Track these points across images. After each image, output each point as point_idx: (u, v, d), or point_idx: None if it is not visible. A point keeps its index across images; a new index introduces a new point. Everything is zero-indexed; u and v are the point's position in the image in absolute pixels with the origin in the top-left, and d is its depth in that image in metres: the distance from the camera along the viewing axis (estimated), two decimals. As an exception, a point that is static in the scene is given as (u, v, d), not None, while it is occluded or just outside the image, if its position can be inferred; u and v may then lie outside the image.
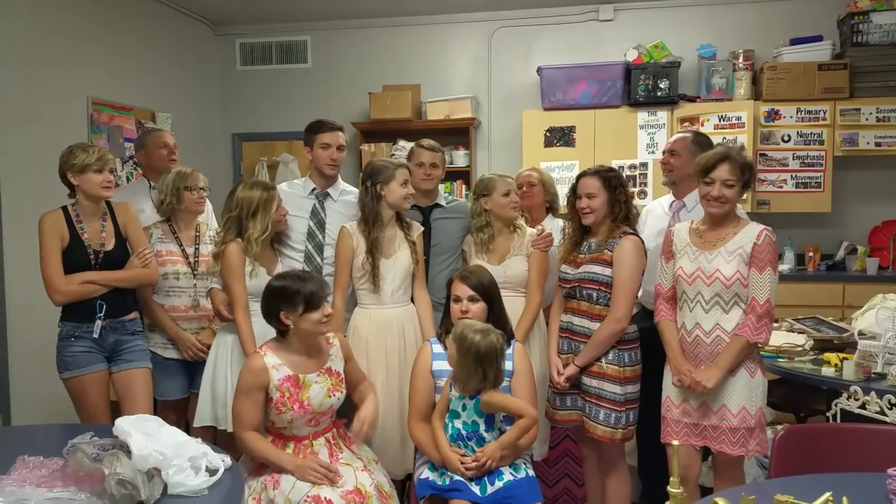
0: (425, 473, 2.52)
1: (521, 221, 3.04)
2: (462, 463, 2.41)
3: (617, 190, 2.71)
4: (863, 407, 2.57)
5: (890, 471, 1.77)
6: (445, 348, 2.62)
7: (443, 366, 2.60)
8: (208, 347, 3.05)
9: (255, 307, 2.89)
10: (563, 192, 3.51)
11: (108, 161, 2.81)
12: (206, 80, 6.00)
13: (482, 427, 2.46)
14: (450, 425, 2.49)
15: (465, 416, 2.47)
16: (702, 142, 3.11)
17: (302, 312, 2.41)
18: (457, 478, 2.42)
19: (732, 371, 2.48)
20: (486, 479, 2.43)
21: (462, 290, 2.63)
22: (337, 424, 2.62)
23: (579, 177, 2.80)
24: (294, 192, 3.20)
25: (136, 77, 4.99)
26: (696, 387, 2.47)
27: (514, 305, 2.80)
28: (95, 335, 2.80)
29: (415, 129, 5.56)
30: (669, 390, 2.62)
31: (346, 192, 3.25)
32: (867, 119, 4.95)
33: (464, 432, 2.46)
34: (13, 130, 3.88)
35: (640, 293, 3.01)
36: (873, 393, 2.55)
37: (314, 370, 2.49)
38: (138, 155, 3.70)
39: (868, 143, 4.97)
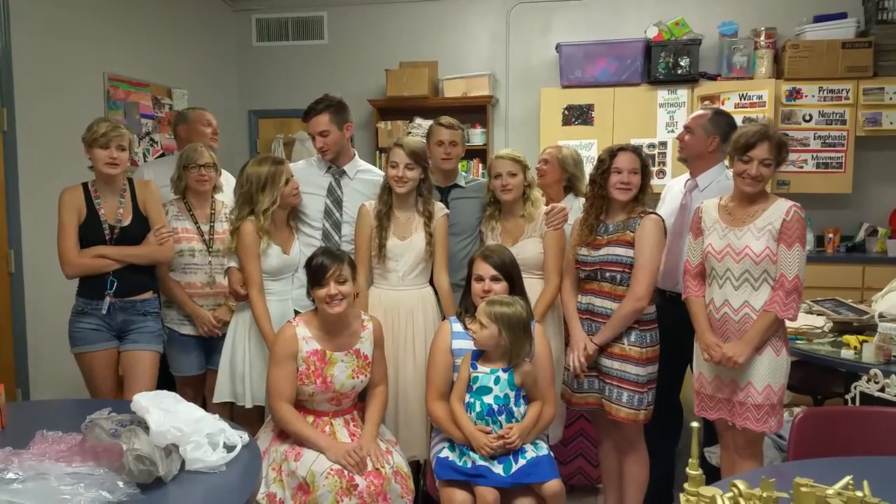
0: (444, 452, 2.52)
1: (539, 202, 3.00)
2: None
3: (648, 169, 2.73)
4: (882, 390, 2.55)
5: (911, 455, 1.75)
6: (466, 327, 2.63)
7: (462, 344, 2.60)
8: (224, 324, 3.07)
9: (270, 286, 2.90)
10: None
11: (118, 137, 2.79)
12: (222, 57, 5.98)
13: (512, 401, 2.49)
14: (478, 402, 2.49)
15: (498, 389, 2.49)
16: (719, 121, 3.05)
17: (312, 287, 2.46)
18: (480, 462, 2.42)
19: (759, 349, 2.48)
20: (510, 457, 2.44)
21: (485, 269, 2.62)
22: (359, 407, 2.63)
23: (616, 152, 2.71)
24: (311, 170, 3.19)
25: (152, 53, 4.97)
26: (726, 362, 2.47)
27: (528, 287, 2.78)
28: (103, 311, 2.82)
29: (431, 106, 5.52)
30: (702, 366, 2.63)
31: (364, 171, 3.23)
32: (891, 98, 4.86)
33: (495, 407, 2.48)
34: (31, 106, 3.88)
35: None
36: (893, 376, 2.53)
37: (343, 349, 2.51)
38: (179, 129, 3.65)
39: (892, 123, 4.89)
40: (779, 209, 2.49)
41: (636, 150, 2.73)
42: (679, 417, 3.22)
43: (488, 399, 2.48)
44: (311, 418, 2.49)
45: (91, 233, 2.80)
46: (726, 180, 3.01)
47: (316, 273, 2.45)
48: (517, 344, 2.47)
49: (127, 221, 2.87)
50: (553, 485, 2.39)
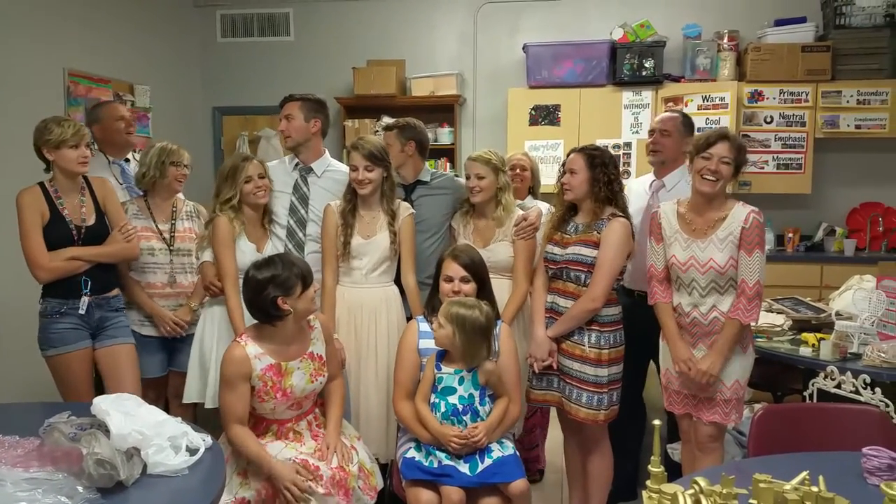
0: (411, 452, 2.52)
1: (511, 207, 3.00)
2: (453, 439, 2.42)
3: (598, 169, 2.68)
4: (839, 387, 2.62)
5: (865, 449, 1.80)
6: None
7: (429, 344, 2.60)
8: (187, 324, 3.05)
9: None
10: (547, 171, 3.56)
11: (85, 136, 2.77)
12: (185, 53, 5.89)
13: (477, 400, 2.49)
14: (443, 403, 2.50)
15: (462, 389, 2.49)
16: (689, 123, 3.15)
17: (300, 293, 2.38)
18: (446, 461, 2.42)
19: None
20: (476, 456, 2.44)
21: (454, 269, 2.62)
22: (318, 403, 2.61)
23: (568, 153, 2.79)
24: (281, 168, 3.18)
25: (113, 48, 4.87)
26: (701, 377, 2.50)
27: (498, 288, 2.80)
28: (82, 311, 2.78)
29: (399, 105, 5.51)
30: (668, 363, 2.66)
31: (333, 170, 3.21)
32: (848, 101, 4.98)
33: (460, 407, 2.48)
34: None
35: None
36: (849, 373, 2.60)
37: (296, 356, 2.46)
38: (93, 129, 3.53)
39: (848, 126, 5.00)
40: (737, 217, 2.51)
41: (583, 150, 2.73)
42: (643, 415, 3.27)
43: (453, 399, 2.49)
44: (274, 427, 2.46)
45: (58, 234, 2.75)
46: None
47: (306, 278, 2.40)
48: (470, 348, 2.46)
49: (91, 220, 2.84)
50: (519, 484, 2.40)
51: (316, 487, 2.28)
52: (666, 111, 3.65)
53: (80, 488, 1.60)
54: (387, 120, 5.42)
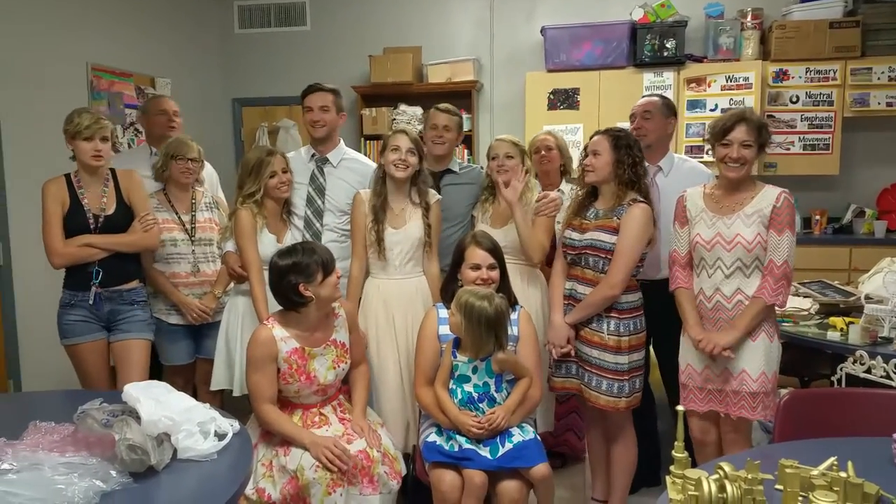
0: (432, 437, 2.53)
1: (535, 189, 2.99)
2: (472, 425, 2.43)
3: (623, 151, 2.63)
4: (868, 371, 2.58)
5: (895, 435, 1.77)
6: None
7: (448, 330, 2.59)
8: (213, 311, 3.11)
9: (263, 274, 2.91)
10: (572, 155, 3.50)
11: (101, 129, 2.78)
12: (204, 45, 5.92)
13: (493, 388, 2.50)
14: (459, 390, 2.51)
15: (477, 378, 2.50)
16: (669, 105, 3.11)
17: (322, 280, 2.41)
18: (466, 445, 2.43)
19: (753, 336, 2.47)
20: (497, 440, 2.45)
21: (481, 256, 2.61)
22: (343, 390, 2.64)
23: (591, 136, 2.75)
24: (298, 160, 3.19)
25: (134, 42, 4.92)
26: (715, 350, 2.44)
27: (513, 271, 2.80)
28: (90, 302, 2.81)
29: (416, 92, 5.50)
30: (690, 358, 2.60)
31: (349, 159, 3.22)
32: (879, 78, 4.86)
33: (475, 395, 2.49)
34: (15, 98, 3.84)
35: None
36: (879, 357, 2.56)
37: (320, 343, 2.49)
38: (141, 120, 3.68)
39: (879, 104, 4.88)
40: (768, 196, 2.46)
41: (608, 132, 2.69)
42: (651, 401, 3.23)
43: (468, 387, 2.50)
44: (299, 412, 2.49)
45: (75, 222, 2.79)
46: (683, 163, 3.10)
47: (327, 265, 2.43)
48: (477, 338, 2.45)
49: (111, 210, 2.86)
50: (541, 469, 2.40)
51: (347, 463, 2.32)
52: (644, 95, 3.58)
53: (113, 472, 1.63)
54: (404, 108, 5.43)
